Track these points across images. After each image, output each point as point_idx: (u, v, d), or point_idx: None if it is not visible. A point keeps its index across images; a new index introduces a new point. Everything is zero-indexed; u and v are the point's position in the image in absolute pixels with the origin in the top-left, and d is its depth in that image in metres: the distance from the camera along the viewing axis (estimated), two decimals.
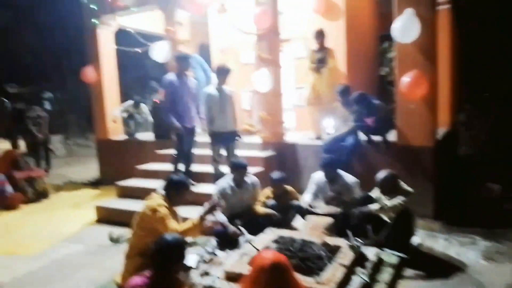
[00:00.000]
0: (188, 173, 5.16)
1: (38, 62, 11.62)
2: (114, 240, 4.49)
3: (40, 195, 6.64)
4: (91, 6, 7.11)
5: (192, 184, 4.95)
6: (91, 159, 8.98)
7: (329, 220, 3.78)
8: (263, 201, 4.26)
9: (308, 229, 3.60)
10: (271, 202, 4.21)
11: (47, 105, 13.87)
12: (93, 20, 7.23)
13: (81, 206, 6.08)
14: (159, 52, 6.56)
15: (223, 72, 4.93)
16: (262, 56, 5.70)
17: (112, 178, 6.46)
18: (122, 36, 7.95)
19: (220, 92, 4.91)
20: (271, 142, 5.84)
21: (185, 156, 5.17)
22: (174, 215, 3.20)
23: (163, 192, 3.24)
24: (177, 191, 3.22)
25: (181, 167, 5.21)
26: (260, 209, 4.19)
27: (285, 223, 4.09)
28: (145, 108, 7.74)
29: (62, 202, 6.48)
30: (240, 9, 6.81)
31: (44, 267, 3.97)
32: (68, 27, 10.32)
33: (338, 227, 3.66)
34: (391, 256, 3.11)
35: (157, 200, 3.15)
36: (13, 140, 9.31)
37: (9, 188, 6.24)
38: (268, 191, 4.36)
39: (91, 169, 8.36)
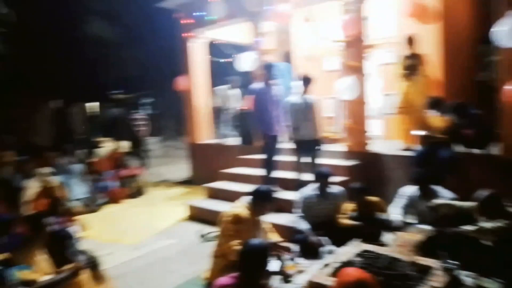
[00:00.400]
0: (271, 179, 5.28)
1: (142, 71, 12.94)
2: (204, 238, 4.81)
3: (138, 191, 7.37)
4: (184, 21, 7.73)
5: (276, 191, 5.07)
6: (183, 160, 9.68)
7: (420, 237, 3.56)
8: (348, 212, 4.18)
9: (395, 246, 3.42)
10: (355, 214, 4.11)
11: (148, 110, 15.35)
12: (185, 34, 7.85)
13: (173, 203, 6.60)
14: (245, 62, 6.85)
15: (306, 81, 4.98)
16: (349, 64, 5.61)
17: (201, 179, 6.92)
18: (214, 46, 8.51)
19: (304, 100, 4.96)
20: (355, 151, 5.70)
21: (266, 163, 5.31)
22: (256, 224, 3.31)
23: (249, 200, 3.37)
24: (262, 202, 3.31)
25: (268, 172, 5.35)
26: (344, 220, 4.12)
27: (370, 237, 3.93)
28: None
29: (158, 199, 7.13)
30: (324, 18, 6.80)
31: (141, 256, 4.42)
32: (167, 40, 11.35)
33: (430, 246, 3.41)
34: (492, 284, 2.82)
35: (239, 208, 3.29)
36: (118, 141, 10.48)
37: (115, 184, 7.06)
38: (352, 203, 4.26)
39: (183, 170, 9.02)
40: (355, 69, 5.55)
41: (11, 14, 4.32)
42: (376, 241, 3.93)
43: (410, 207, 4.01)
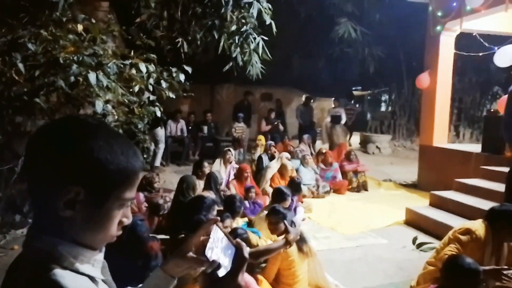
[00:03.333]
0: None
1: (381, 68, 12.96)
2: (418, 246, 4.52)
3: (361, 186, 7.53)
4: (437, 13, 7.16)
5: None
6: (413, 162, 9.17)
7: None
8: None
9: None
10: None
11: (383, 107, 15.25)
12: (437, 27, 7.27)
13: (394, 204, 6.42)
14: (505, 56, 5.75)
15: None
16: None
17: (428, 184, 6.40)
18: (463, 39, 7.57)
19: None
20: None
21: None
22: (495, 249, 2.84)
23: (488, 220, 2.92)
24: (504, 224, 2.78)
25: None
26: None
27: None
28: None
29: (378, 197, 7.10)
30: None
31: (353, 248, 4.57)
32: (411, 36, 10.92)
33: None
34: None
35: (475, 224, 2.90)
36: (349, 136, 10.98)
37: (339, 175, 7.48)
38: None
39: (411, 172, 8.57)
40: None
41: (273, 25, 5.24)
42: None
43: None
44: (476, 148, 6.83)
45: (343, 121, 10.49)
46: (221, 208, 4.19)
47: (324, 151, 7.94)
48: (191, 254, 0.93)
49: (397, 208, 5.97)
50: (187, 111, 10.38)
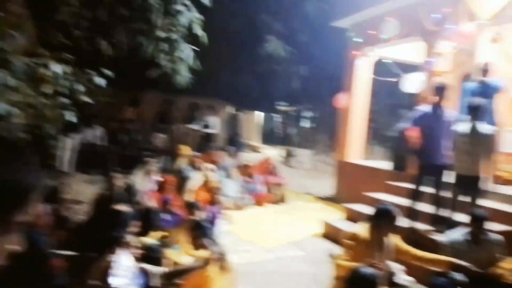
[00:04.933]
0: (437, 217, 4.75)
1: (306, 86, 13.69)
2: (333, 258, 4.75)
3: (281, 199, 7.75)
4: (356, 39, 7.77)
5: (441, 232, 4.58)
6: (331, 176, 9.70)
7: None
8: (509, 267, 3.46)
9: None
10: None
11: (306, 123, 16.01)
12: (355, 52, 7.89)
13: (311, 217, 6.70)
14: (411, 83, 6.42)
15: (473, 109, 4.29)
16: None
17: (344, 198, 6.81)
18: (378, 65, 8.30)
19: (472, 130, 4.32)
20: None
21: (434, 198, 4.82)
22: (379, 246, 3.10)
23: (372, 220, 3.18)
24: (381, 222, 3.09)
25: (421, 206, 4.89)
26: (504, 274, 3.43)
27: None
28: None
29: (297, 210, 7.36)
30: None
31: (271, 261, 4.66)
32: (334, 58, 11.69)
33: None
34: None
35: (359, 228, 3.15)
36: (274, 149, 11.27)
37: (262, 188, 7.62)
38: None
39: (328, 186, 9.05)
40: None
41: (204, 36, 5.22)
42: None
43: None
44: (386, 165, 7.42)
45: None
46: (139, 222, 3.98)
47: (247, 164, 8.04)
48: (92, 282, 0.85)
49: (314, 221, 6.24)
50: (106, 118, 9.77)
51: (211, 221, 4.85)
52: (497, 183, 4.97)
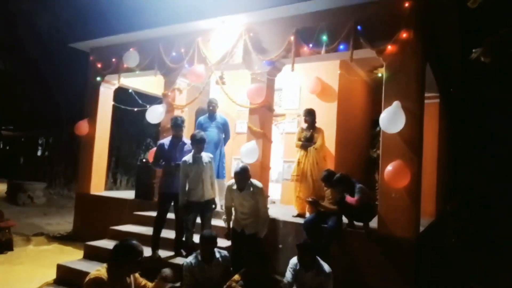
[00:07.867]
0: (180, 242, 4.92)
1: (39, 109, 11.93)
2: None
3: (6, 245, 6.27)
4: (97, 65, 7.46)
5: (183, 255, 4.74)
6: (70, 211, 8.69)
7: None
8: (232, 284, 3.78)
9: None
10: (241, 283, 3.88)
11: (39, 151, 13.86)
12: (97, 77, 7.54)
13: (44, 262, 5.71)
14: (153, 114, 6.64)
15: (197, 141, 4.73)
16: (252, 129, 5.78)
17: (86, 235, 6.15)
18: (121, 93, 8.22)
19: (197, 160, 4.75)
20: None
21: (176, 223, 4.96)
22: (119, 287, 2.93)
23: (109, 260, 2.95)
24: (125, 258, 2.92)
25: (165, 233, 4.98)
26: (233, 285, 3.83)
27: None
28: None
29: (25, 256, 6.11)
30: (236, 83, 7.12)
31: None
32: (73, 81, 10.80)
33: None
34: None
35: (101, 270, 2.87)
36: None
37: None
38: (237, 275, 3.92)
39: (67, 222, 8.05)
40: (259, 134, 5.71)
41: None
42: None
43: (295, 279, 3.92)
44: (131, 194, 7.31)
45: None
46: None
47: None
48: None
49: (47, 267, 5.33)
50: None
51: None
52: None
